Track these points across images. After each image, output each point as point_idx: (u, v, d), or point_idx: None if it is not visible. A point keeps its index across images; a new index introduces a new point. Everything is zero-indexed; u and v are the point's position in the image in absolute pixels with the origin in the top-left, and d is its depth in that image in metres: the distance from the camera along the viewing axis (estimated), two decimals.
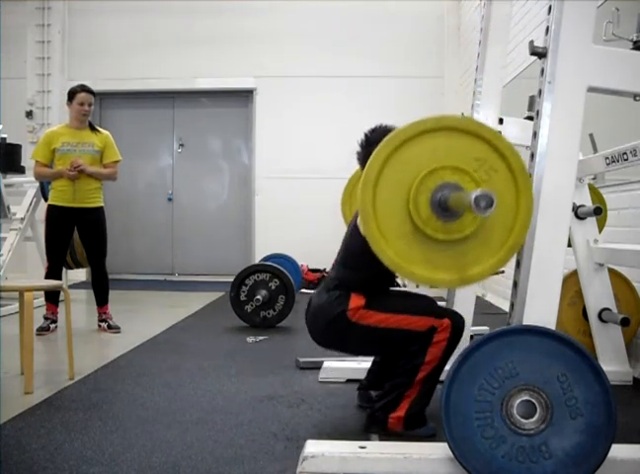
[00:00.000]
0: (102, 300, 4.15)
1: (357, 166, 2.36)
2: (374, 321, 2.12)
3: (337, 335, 2.20)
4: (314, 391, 2.70)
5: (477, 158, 1.61)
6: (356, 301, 2.14)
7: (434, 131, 1.63)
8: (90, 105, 4.00)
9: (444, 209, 1.59)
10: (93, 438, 2.08)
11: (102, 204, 4.10)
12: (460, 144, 1.62)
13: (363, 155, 2.23)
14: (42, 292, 4.19)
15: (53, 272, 3.99)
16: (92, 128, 4.06)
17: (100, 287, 4.15)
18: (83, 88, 4.02)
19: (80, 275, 6.83)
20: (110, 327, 4.10)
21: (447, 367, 1.67)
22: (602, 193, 3.21)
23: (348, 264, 2.25)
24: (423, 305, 2.18)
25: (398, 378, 2.13)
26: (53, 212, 4.00)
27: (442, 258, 1.63)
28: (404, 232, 1.62)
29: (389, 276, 2.23)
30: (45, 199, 4.66)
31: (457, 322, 2.12)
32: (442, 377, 1.69)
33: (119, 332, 4.06)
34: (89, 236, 4.08)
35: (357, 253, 2.17)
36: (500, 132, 2.69)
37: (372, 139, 2.21)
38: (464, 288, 2.72)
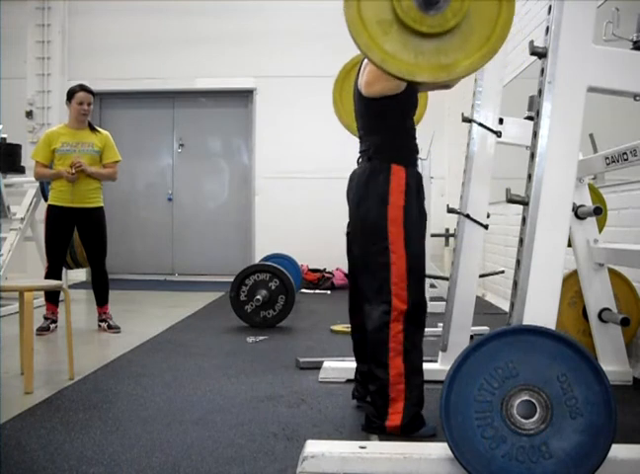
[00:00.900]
0: (102, 300, 4.16)
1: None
2: (394, 237, 2.11)
3: (369, 205, 2.17)
4: (314, 391, 2.70)
5: None
6: (397, 173, 2.13)
7: None
8: (89, 104, 4.00)
9: (427, 2, 1.58)
10: (93, 438, 2.08)
11: (102, 204, 4.11)
12: None
13: None
14: (42, 292, 4.19)
15: (53, 272, 3.99)
16: (91, 128, 4.06)
17: (100, 287, 4.15)
18: (82, 87, 4.01)
19: (80, 275, 6.84)
20: (110, 327, 4.10)
21: (447, 368, 1.67)
22: (602, 193, 3.21)
23: (369, 130, 2.26)
24: (416, 275, 2.17)
25: (376, 383, 2.13)
26: (53, 212, 4.00)
27: (420, 51, 1.62)
28: (383, 18, 1.61)
29: (411, 130, 2.26)
30: (45, 199, 4.66)
31: (411, 314, 2.11)
32: (442, 377, 1.69)
33: (119, 332, 4.07)
34: (89, 236, 4.08)
35: (369, 115, 2.24)
36: (500, 133, 2.73)
37: None
38: (464, 287, 2.72)
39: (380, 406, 2.12)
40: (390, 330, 2.10)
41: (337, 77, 3.37)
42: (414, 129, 2.29)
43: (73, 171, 3.86)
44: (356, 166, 2.31)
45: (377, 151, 2.20)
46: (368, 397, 2.21)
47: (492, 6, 1.63)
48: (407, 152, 2.23)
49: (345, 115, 3.06)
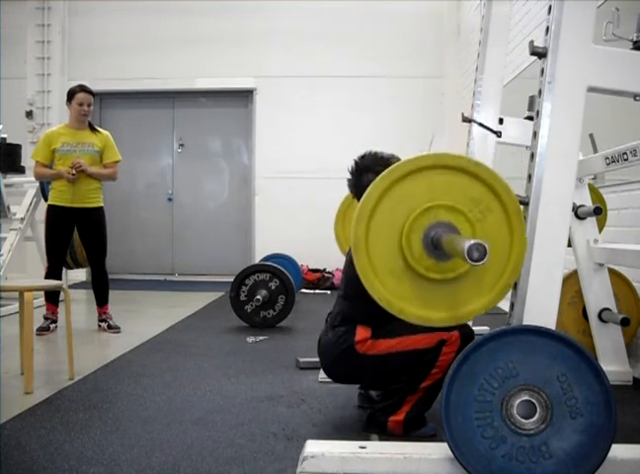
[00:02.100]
0: (102, 300, 4.16)
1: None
2: (383, 348, 2.11)
3: (349, 369, 2.20)
4: (314, 391, 2.70)
5: (473, 198, 1.61)
6: (362, 333, 2.14)
7: (431, 169, 1.62)
8: (89, 105, 4.00)
9: (437, 249, 1.58)
10: (93, 438, 2.08)
11: (102, 204, 4.10)
12: (457, 183, 1.61)
13: (354, 182, 2.25)
14: (42, 292, 4.19)
15: (53, 272, 3.99)
16: (92, 129, 4.06)
17: (100, 287, 4.15)
18: (82, 88, 4.01)
19: (80, 275, 6.83)
20: (110, 327, 4.10)
21: None
22: (602, 193, 3.21)
23: (349, 296, 2.24)
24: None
25: (402, 383, 2.13)
26: (53, 212, 4.00)
27: (434, 296, 1.63)
28: (395, 268, 1.62)
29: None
30: (45, 199, 4.66)
31: (466, 333, 2.09)
32: None
33: (119, 332, 4.07)
34: (89, 236, 4.08)
35: (356, 285, 2.13)
36: (500, 133, 2.73)
37: (362, 166, 2.22)
38: None
39: (394, 405, 2.13)
40: (442, 350, 2.08)
41: (338, 210, 3.42)
42: None
43: (73, 171, 3.86)
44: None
45: (346, 318, 2.19)
46: (375, 395, 2.19)
47: (503, 244, 1.62)
48: (378, 320, 2.14)
49: (347, 247, 3.09)
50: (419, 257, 1.60)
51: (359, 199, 2.20)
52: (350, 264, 2.22)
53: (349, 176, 2.28)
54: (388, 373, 2.17)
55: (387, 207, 1.61)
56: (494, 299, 1.65)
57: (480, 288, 1.63)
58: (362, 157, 2.26)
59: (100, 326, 4.14)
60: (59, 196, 3.97)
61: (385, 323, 2.16)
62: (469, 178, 1.62)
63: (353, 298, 2.21)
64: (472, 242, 1.39)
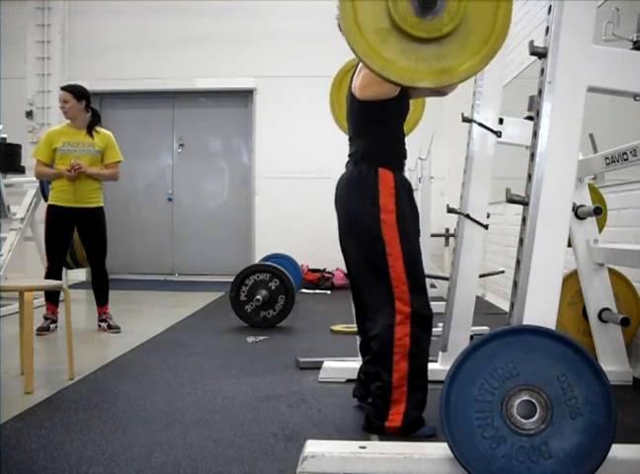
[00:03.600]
0: (102, 300, 4.16)
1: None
2: (389, 239, 2.11)
3: (359, 212, 2.18)
4: (314, 391, 2.70)
5: None
6: (385, 177, 2.14)
7: None
8: (65, 101, 3.96)
9: (423, 6, 1.57)
10: (93, 438, 2.08)
11: (102, 205, 4.10)
12: None
13: None
14: (42, 292, 4.19)
15: (53, 272, 3.99)
16: (88, 130, 4.03)
17: (100, 287, 4.15)
18: (61, 87, 4.06)
19: (80, 275, 6.84)
20: (110, 327, 4.10)
21: (447, 368, 1.67)
22: (602, 193, 3.21)
23: (360, 133, 2.25)
24: (416, 277, 2.15)
25: (377, 382, 2.13)
26: (53, 212, 4.00)
27: (419, 57, 1.61)
28: (381, 27, 1.60)
29: (401, 136, 2.26)
30: (45, 199, 4.66)
31: (416, 317, 2.10)
32: (442, 377, 1.69)
33: (119, 332, 4.07)
34: (89, 236, 4.08)
35: (361, 119, 2.22)
36: (500, 133, 2.73)
37: None
38: (464, 287, 2.72)
39: (381, 407, 2.12)
40: (395, 333, 2.09)
41: (334, 80, 3.39)
42: (403, 135, 2.29)
43: (73, 171, 3.85)
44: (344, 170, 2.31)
45: (365, 155, 2.20)
46: (370, 398, 2.21)
47: (489, 6, 1.62)
48: (395, 157, 2.22)
49: (342, 118, 3.08)
50: (404, 14, 1.58)
51: None
52: (351, 99, 2.23)
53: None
54: (365, 262, 2.20)
55: None
56: (479, 63, 1.63)
57: (465, 51, 1.62)
58: None
59: (100, 326, 4.14)
60: (59, 195, 3.97)
61: (404, 158, 2.25)
62: None
63: (364, 134, 2.22)
64: None
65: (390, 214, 2.12)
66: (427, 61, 1.61)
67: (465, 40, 1.62)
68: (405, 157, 2.28)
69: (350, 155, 2.28)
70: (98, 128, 4.09)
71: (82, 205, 3.98)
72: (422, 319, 2.12)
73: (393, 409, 2.11)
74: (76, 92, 4.00)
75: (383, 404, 2.12)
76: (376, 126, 2.20)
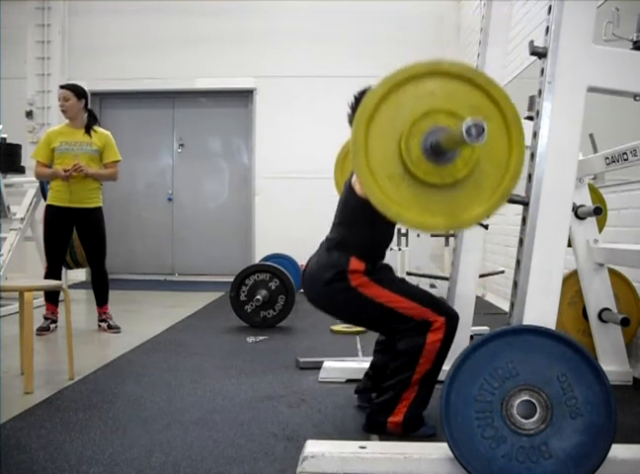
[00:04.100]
0: (102, 300, 4.15)
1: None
2: (373, 293, 2.11)
3: (333, 296, 2.18)
4: (314, 391, 2.70)
5: (472, 105, 1.60)
6: (355, 265, 2.13)
7: (431, 75, 1.62)
8: (66, 100, 3.95)
9: (436, 153, 1.58)
10: (93, 438, 2.08)
11: (100, 205, 4.10)
12: (457, 90, 1.62)
13: (353, 117, 2.25)
14: (42, 292, 4.19)
15: (53, 272, 3.99)
16: (87, 130, 4.02)
17: (100, 287, 4.15)
18: (60, 85, 4.06)
19: (80, 275, 6.83)
20: (110, 327, 4.10)
21: (447, 367, 1.67)
22: (602, 193, 3.21)
23: (345, 223, 2.24)
24: (423, 294, 2.18)
25: (393, 380, 2.12)
26: (52, 212, 3.99)
27: (432, 202, 1.62)
28: (394, 173, 1.61)
29: (386, 239, 2.25)
30: (45, 199, 4.67)
31: (452, 321, 2.10)
32: (442, 377, 1.69)
33: (119, 332, 4.06)
34: (88, 237, 4.07)
35: (353, 212, 2.20)
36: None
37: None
38: (464, 287, 2.72)
39: (391, 403, 2.12)
40: (427, 338, 2.08)
41: (337, 157, 3.41)
42: (390, 239, 2.28)
43: (70, 172, 3.83)
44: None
45: (341, 243, 2.19)
46: (378, 392, 2.20)
47: (502, 151, 1.62)
48: (372, 256, 2.18)
49: (342, 182, 3.08)
50: (417, 161, 1.59)
51: None
52: (348, 191, 2.23)
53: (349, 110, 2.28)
54: (365, 318, 2.20)
55: (387, 112, 1.60)
56: (493, 206, 1.64)
57: (479, 195, 1.63)
58: (362, 92, 2.25)
59: (100, 326, 4.14)
60: (57, 195, 3.96)
61: (382, 269, 2.19)
62: (468, 85, 1.62)
63: (350, 225, 2.21)
64: (469, 120, 1.39)
65: (360, 277, 2.12)
66: (440, 206, 1.62)
67: (478, 185, 1.63)
68: (382, 259, 2.26)
69: (327, 239, 2.28)
70: (96, 128, 4.08)
71: (80, 206, 3.98)
72: (455, 321, 2.12)
73: (400, 405, 2.11)
74: (77, 91, 3.99)
75: (394, 400, 2.12)
76: (365, 224, 2.16)
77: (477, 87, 1.62)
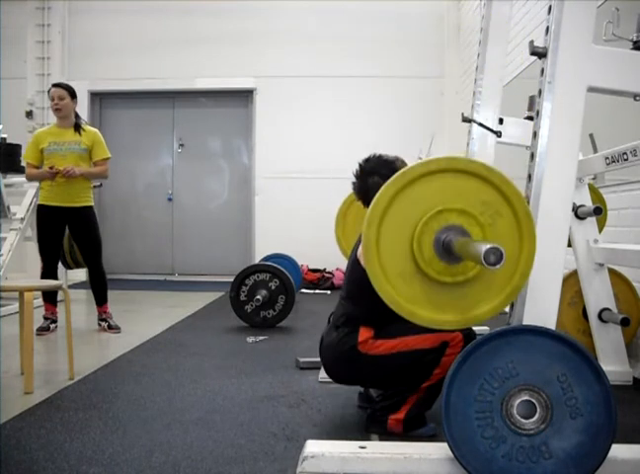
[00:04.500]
0: (101, 300, 4.15)
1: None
2: (385, 349, 2.11)
3: (351, 369, 2.20)
4: (314, 391, 2.70)
5: (484, 202, 1.61)
6: (364, 334, 2.14)
7: (443, 172, 1.62)
8: (61, 98, 3.95)
9: (448, 252, 1.59)
10: (93, 438, 2.08)
11: (92, 204, 4.10)
12: (468, 187, 1.62)
13: (359, 185, 2.26)
14: (40, 293, 4.19)
15: (49, 271, 3.99)
16: (76, 128, 4.01)
17: (98, 287, 4.15)
18: (54, 84, 4.03)
19: (80, 274, 6.80)
20: (110, 327, 4.10)
21: None
22: (602, 193, 3.21)
23: (353, 298, 2.24)
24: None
25: (402, 386, 2.13)
26: (43, 212, 3.99)
27: (444, 299, 1.64)
28: (406, 271, 1.62)
29: (393, 315, 2.23)
30: None
31: (469, 336, 2.09)
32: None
33: (119, 332, 4.06)
34: (81, 236, 4.08)
35: (360, 286, 2.14)
36: (500, 133, 2.73)
37: (367, 169, 2.23)
38: None
39: (394, 403, 2.13)
40: (445, 352, 2.08)
41: (338, 213, 3.46)
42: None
43: (63, 172, 3.81)
44: (353, 166, 2.29)
45: (350, 320, 2.19)
46: (375, 395, 2.20)
47: (513, 248, 1.62)
48: (380, 323, 2.16)
49: (349, 249, 3.08)
50: (429, 260, 1.60)
51: (364, 203, 2.21)
52: (353, 265, 2.23)
53: (353, 179, 2.29)
54: (389, 373, 2.17)
55: (398, 210, 1.61)
56: (503, 302, 1.66)
57: (490, 292, 1.64)
58: (367, 160, 2.26)
59: (100, 325, 4.14)
60: (48, 195, 3.96)
61: (389, 323, 2.15)
62: (480, 182, 1.62)
63: (356, 299, 2.21)
64: (489, 246, 1.40)
65: (368, 342, 2.13)
66: (451, 303, 1.63)
67: (488, 283, 1.64)
68: (392, 320, 2.23)
69: (334, 315, 2.30)
70: (84, 126, 4.07)
71: (71, 205, 3.97)
72: (471, 337, 2.09)
73: (405, 405, 2.12)
74: (70, 90, 4.01)
75: (401, 400, 2.12)
76: (371, 297, 2.11)
77: (489, 184, 1.62)
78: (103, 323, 4.13)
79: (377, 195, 1.62)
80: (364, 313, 2.16)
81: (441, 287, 1.63)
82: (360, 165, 2.26)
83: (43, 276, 3.97)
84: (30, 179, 4.16)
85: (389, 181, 1.62)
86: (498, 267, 1.40)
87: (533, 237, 1.63)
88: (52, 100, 3.97)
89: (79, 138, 4.00)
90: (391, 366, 2.14)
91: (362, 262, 2.14)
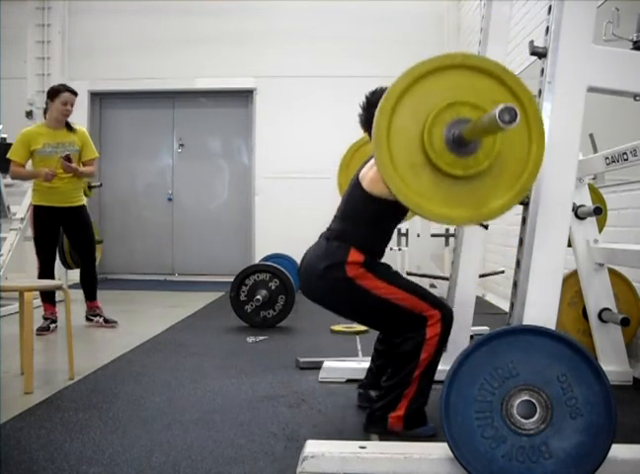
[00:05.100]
0: (92, 295, 4.19)
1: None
2: (373, 286, 2.10)
3: (330, 287, 2.17)
4: (314, 391, 2.70)
5: (495, 101, 1.59)
6: (354, 256, 2.12)
7: (458, 68, 1.64)
8: (72, 105, 3.97)
9: (459, 144, 1.59)
10: (93, 438, 2.08)
11: (84, 203, 4.13)
12: (482, 85, 1.63)
13: (365, 117, 2.26)
14: (39, 293, 4.19)
15: (46, 271, 4.00)
16: (68, 128, 4.01)
17: (90, 282, 4.19)
18: (66, 88, 4.01)
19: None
20: (107, 321, 4.13)
21: (447, 367, 1.67)
22: (602, 193, 3.21)
23: (348, 216, 2.24)
24: (419, 288, 2.18)
25: (395, 379, 2.13)
26: (39, 213, 3.98)
27: (453, 194, 1.63)
28: (416, 163, 1.61)
29: (388, 237, 2.25)
30: None
31: (448, 316, 2.12)
32: (442, 377, 1.69)
33: (115, 326, 4.08)
34: (77, 235, 4.11)
35: (358, 206, 2.20)
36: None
37: (373, 101, 2.21)
38: (464, 287, 2.72)
39: (394, 399, 2.12)
40: (427, 333, 2.09)
41: (342, 160, 3.40)
42: (391, 235, 2.28)
43: (53, 173, 3.82)
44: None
45: (341, 235, 2.18)
46: (382, 389, 2.20)
47: (522, 145, 1.63)
48: (372, 250, 2.18)
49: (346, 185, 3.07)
50: (440, 152, 1.60)
51: (369, 134, 2.22)
52: (354, 186, 2.23)
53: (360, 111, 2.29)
54: (367, 314, 2.19)
55: (411, 101, 1.61)
56: (512, 200, 1.66)
57: (499, 188, 1.64)
58: (373, 93, 2.27)
59: (92, 320, 4.15)
60: (43, 196, 3.95)
61: (380, 263, 2.18)
62: (494, 81, 1.63)
63: (353, 219, 2.21)
64: (502, 106, 1.39)
65: (357, 268, 2.11)
66: (459, 198, 1.63)
67: (499, 178, 1.64)
68: (381, 256, 2.24)
69: (328, 230, 2.28)
70: (72, 124, 4.05)
71: (68, 205, 3.99)
72: (450, 316, 2.13)
73: (402, 401, 2.11)
74: (77, 95, 4.04)
75: (397, 397, 2.12)
76: (370, 219, 2.17)
77: (503, 84, 1.63)
78: (97, 318, 4.16)
79: (391, 85, 1.62)
80: (357, 234, 2.16)
81: (451, 181, 1.62)
82: (367, 97, 2.28)
83: (41, 275, 3.97)
84: (17, 177, 4.13)
85: (404, 72, 1.62)
86: (514, 125, 1.39)
87: (542, 139, 1.64)
88: (65, 105, 3.94)
89: (73, 138, 4.00)
90: (372, 308, 2.14)
91: (365, 183, 2.16)
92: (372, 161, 2.15)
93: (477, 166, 1.61)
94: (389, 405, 2.13)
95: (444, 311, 2.12)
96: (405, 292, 2.11)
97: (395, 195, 1.61)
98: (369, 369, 2.49)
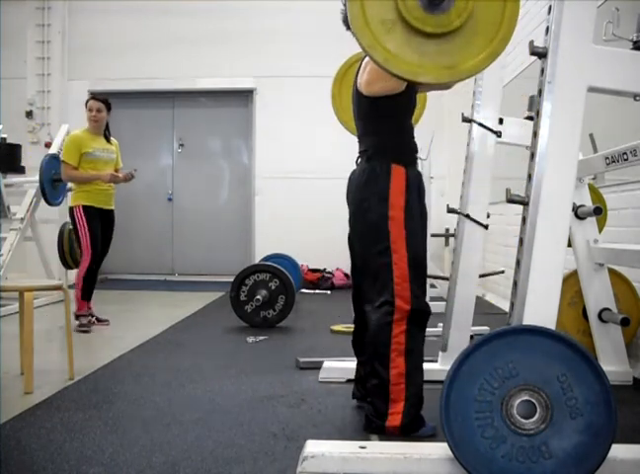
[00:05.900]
0: (90, 295, 4.23)
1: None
2: (395, 234, 2.12)
3: (368, 210, 2.18)
4: (314, 391, 2.70)
5: None
6: (397, 176, 2.14)
7: None
8: (98, 110, 4.17)
9: (431, 2, 1.58)
10: (93, 438, 2.08)
11: None
12: None
13: (346, 14, 2.27)
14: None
15: (96, 269, 4.19)
16: (106, 138, 4.28)
17: (94, 282, 4.26)
18: (92, 96, 4.30)
19: None
20: (99, 320, 4.22)
21: (447, 368, 1.67)
22: (602, 193, 3.21)
23: (370, 130, 2.25)
24: (422, 274, 2.20)
25: (375, 379, 2.13)
26: (90, 212, 4.17)
27: (425, 51, 1.62)
28: (387, 18, 1.60)
29: (410, 127, 2.27)
30: (46, 200, 4.79)
31: (416, 315, 2.11)
32: (442, 377, 1.69)
33: (107, 324, 4.12)
34: (108, 235, 4.33)
35: (369, 115, 2.23)
36: (500, 133, 2.73)
37: None
38: (464, 287, 2.72)
39: (380, 406, 2.12)
40: (393, 330, 2.10)
41: (336, 73, 3.39)
42: (412, 129, 2.29)
43: (128, 177, 4.23)
44: (355, 166, 2.31)
45: (377, 152, 2.20)
46: (368, 398, 2.21)
47: (496, 7, 1.63)
48: (407, 152, 2.23)
49: (342, 111, 3.08)
50: (411, 8, 1.59)
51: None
52: (358, 99, 2.25)
53: (342, 6, 2.31)
54: (370, 253, 2.19)
55: None
56: (482, 62, 1.64)
57: (470, 50, 1.63)
58: None
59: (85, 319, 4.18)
60: (96, 198, 4.18)
61: (413, 155, 2.25)
62: None
63: (373, 132, 2.23)
64: None
65: (399, 212, 2.13)
66: (430, 56, 1.62)
67: (470, 39, 1.63)
68: (416, 150, 2.29)
69: (361, 152, 2.29)
70: (109, 138, 4.33)
71: (109, 207, 4.30)
72: (420, 317, 2.13)
73: (392, 408, 2.11)
74: (107, 103, 4.24)
75: (382, 402, 2.12)
76: (385, 122, 2.21)
77: None
78: (91, 318, 4.18)
79: None
80: (389, 141, 2.19)
81: (423, 40, 1.61)
82: None
83: (89, 273, 4.12)
84: (72, 180, 4.27)
85: None
86: None
87: (516, 4, 1.63)
88: (91, 111, 4.17)
89: (112, 147, 4.30)
90: (377, 248, 2.15)
91: (363, 88, 2.17)
92: (364, 64, 2.18)
93: (449, 24, 1.60)
94: (378, 412, 2.12)
95: (414, 310, 2.11)
96: (407, 267, 2.12)
97: (366, 50, 1.61)
98: (356, 378, 2.48)
